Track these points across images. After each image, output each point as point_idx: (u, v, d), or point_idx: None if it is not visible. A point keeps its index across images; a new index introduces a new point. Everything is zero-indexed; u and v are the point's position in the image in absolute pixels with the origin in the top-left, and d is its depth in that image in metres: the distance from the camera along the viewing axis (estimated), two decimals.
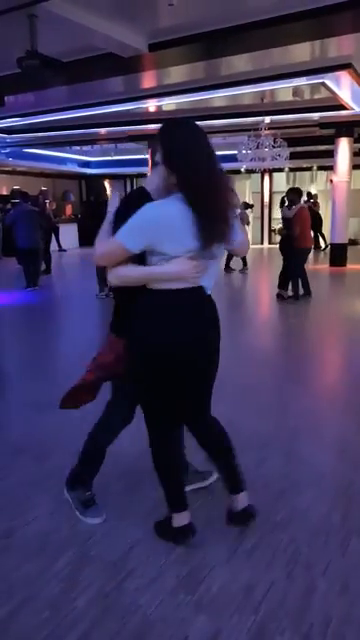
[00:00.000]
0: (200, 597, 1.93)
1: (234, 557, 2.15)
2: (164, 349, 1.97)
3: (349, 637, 1.75)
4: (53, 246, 15.41)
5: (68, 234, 17.03)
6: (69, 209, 19.39)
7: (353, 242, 15.43)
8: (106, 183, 15.32)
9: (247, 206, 12.00)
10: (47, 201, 15.35)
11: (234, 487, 2.29)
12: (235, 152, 11.37)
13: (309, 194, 15.62)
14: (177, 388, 2.07)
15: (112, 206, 2.08)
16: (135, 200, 2.00)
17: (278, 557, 2.14)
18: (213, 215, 1.88)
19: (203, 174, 1.86)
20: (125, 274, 1.98)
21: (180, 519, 2.18)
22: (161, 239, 1.88)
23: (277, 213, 18.92)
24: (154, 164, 2.04)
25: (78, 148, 16.88)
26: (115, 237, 1.92)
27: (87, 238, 10.56)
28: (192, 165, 1.86)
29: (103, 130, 12.60)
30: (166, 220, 1.87)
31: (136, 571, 2.08)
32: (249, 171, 15.18)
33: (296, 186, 9.73)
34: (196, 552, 2.18)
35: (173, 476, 2.20)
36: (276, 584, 1.99)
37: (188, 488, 2.39)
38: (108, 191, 10.74)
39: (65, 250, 16.42)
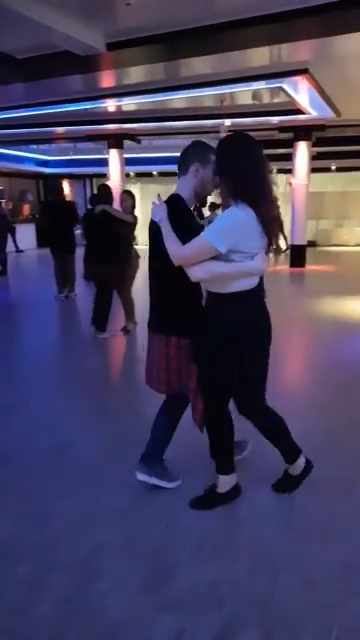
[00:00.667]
0: (164, 597, 1.94)
1: (198, 555, 2.16)
2: (239, 338, 2.28)
3: (311, 628, 1.79)
4: (10, 247, 15.12)
5: (26, 234, 16.69)
6: (27, 209, 18.98)
7: (312, 244, 15.80)
8: (64, 183, 15.08)
9: (215, 207, 12.06)
10: (2, 201, 15.03)
11: (289, 457, 2.60)
12: None
13: None
14: (241, 369, 2.36)
15: (158, 216, 2.27)
16: (180, 205, 2.33)
17: (242, 553, 2.17)
18: (272, 217, 2.24)
19: (265, 185, 2.20)
20: (221, 270, 2.18)
21: (231, 480, 2.51)
22: (245, 239, 2.16)
23: None
24: (184, 172, 2.36)
25: (35, 147, 16.58)
26: (204, 239, 2.14)
27: (45, 238, 10.36)
28: (259, 179, 2.19)
29: (61, 129, 12.42)
30: (247, 223, 2.15)
31: (101, 574, 2.06)
32: None
33: None
34: (160, 552, 2.18)
35: (226, 443, 2.50)
36: (240, 580, 2.02)
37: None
38: (67, 191, 10.57)
39: (22, 251, 16.08)
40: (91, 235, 5.66)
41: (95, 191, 7.10)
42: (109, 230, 5.46)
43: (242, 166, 2.16)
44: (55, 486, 2.70)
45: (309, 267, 12.09)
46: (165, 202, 2.34)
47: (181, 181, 2.39)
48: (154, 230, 2.34)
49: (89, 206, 6.00)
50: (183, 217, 2.30)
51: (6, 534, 2.32)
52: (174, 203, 2.35)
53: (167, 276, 2.32)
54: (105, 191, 5.84)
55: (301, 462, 2.61)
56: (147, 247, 2.42)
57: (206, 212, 9.95)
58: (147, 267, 2.46)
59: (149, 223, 2.38)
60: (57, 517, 2.44)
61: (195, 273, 2.21)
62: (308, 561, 2.13)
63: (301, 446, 2.62)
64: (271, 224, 2.23)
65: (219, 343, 2.27)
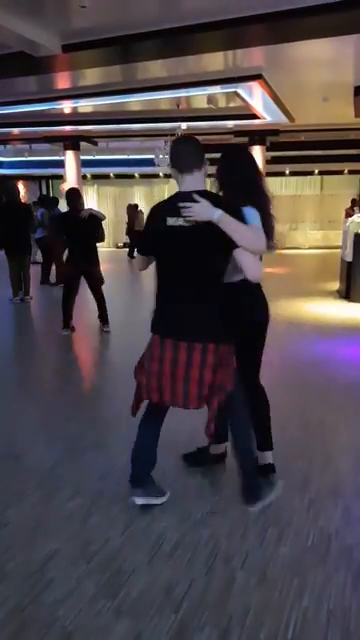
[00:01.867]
0: (120, 602, 1.92)
1: (154, 559, 2.15)
2: (264, 321, 2.67)
3: (267, 624, 1.82)
4: None
5: None
6: None
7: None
8: (20, 185, 14.80)
9: None
10: None
11: (261, 444, 2.69)
12: (152, 156, 11.46)
13: None
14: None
15: (209, 213, 2.12)
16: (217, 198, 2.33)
17: (198, 554, 2.18)
18: (271, 218, 2.53)
19: (265, 188, 2.56)
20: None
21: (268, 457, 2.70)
22: None
23: None
24: (199, 169, 2.30)
25: None
26: (260, 229, 2.32)
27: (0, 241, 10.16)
28: (261, 187, 2.54)
29: (17, 130, 12.19)
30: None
31: (54, 582, 2.02)
32: (167, 175, 15.35)
33: None
34: (116, 557, 2.16)
35: (264, 418, 2.70)
36: (196, 581, 2.02)
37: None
38: (22, 193, 10.39)
39: None
40: (74, 237, 5.77)
41: (56, 193, 7.04)
42: (94, 231, 5.75)
43: (248, 173, 2.52)
44: (6, 494, 2.64)
45: (264, 270, 12.28)
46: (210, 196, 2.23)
47: (196, 178, 2.26)
48: (181, 232, 2.18)
49: (62, 210, 6.14)
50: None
51: None
52: (216, 196, 2.30)
53: (213, 278, 2.25)
54: (79, 194, 6.01)
55: (269, 456, 2.72)
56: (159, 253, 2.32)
57: None
58: (161, 273, 2.32)
59: (163, 228, 2.22)
60: (8, 526, 2.39)
61: (259, 272, 2.34)
62: (263, 559, 2.16)
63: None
64: (272, 225, 2.53)
65: (252, 320, 2.60)
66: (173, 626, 1.81)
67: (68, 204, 5.82)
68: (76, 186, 12.70)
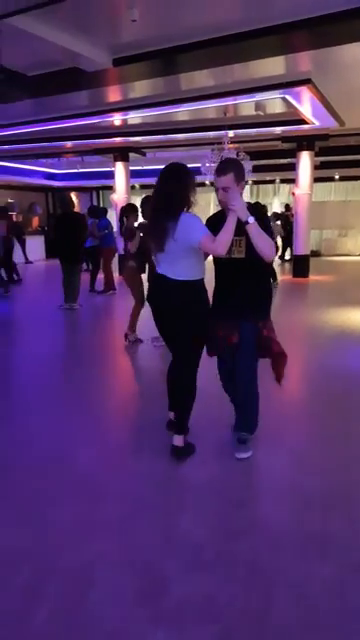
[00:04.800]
0: (160, 610, 1.93)
1: (194, 568, 2.15)
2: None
3: None
4: (20, 258, 15.27)
5: (35, 246, 16.85)
6: (36, 221, 19.19)
7: (315, 254, 15.79)
8: (73, 195, 15.25)
9: (278, 217, 11.87)
10: (12, 213, 15.21)
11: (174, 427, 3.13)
12: (199, 165, 11.53)
13: (287, 206, 15.87)
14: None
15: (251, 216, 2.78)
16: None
17: (238, 567, 2.16)
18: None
19: None
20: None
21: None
22: None
23: None
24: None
25: (44, 160, 16.79)
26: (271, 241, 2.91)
27: (55, 249, 10.55)
28: None
29: (69, 143, 12.60)
30: None
31: (97, 584, 2.07)
32: (213, 184, 15.39)
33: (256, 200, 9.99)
34: (156, 565, 2.18)
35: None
36: (236, 594, 2.01)
37: None
38: (75, 203, 10.71)
39: (31, 262, 16.24)
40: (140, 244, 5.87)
41: (106, 204, 7.24)
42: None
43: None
44: (53, 496, 2.71)
45: (312, 277, 12.07)
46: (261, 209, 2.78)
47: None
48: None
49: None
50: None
51: (4, 542, 2.34)
52: (261, 208, 2.91)
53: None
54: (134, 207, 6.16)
55: (180, 439, 3.07)
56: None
57: None
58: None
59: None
60: (54, 527, 2.46)
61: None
62: (304, 577, 2.11)
63: (294, 457, 2.72)
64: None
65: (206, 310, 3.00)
66: (212, 639, 1.80)
67: (144, 216, 5.93)
68: (125, 196, 13.03)
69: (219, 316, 2.99)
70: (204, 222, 2.94)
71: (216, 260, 3.01)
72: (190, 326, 2.93)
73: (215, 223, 2.89)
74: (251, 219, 2.73)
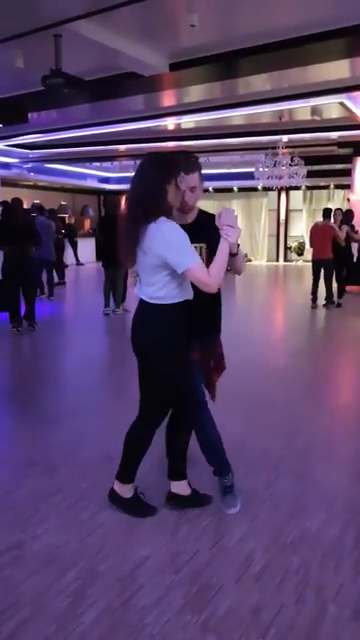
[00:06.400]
0: (207, 618, 1.91)
1: (242, 579, 2.12)
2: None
3: None
4: (71, 260, 15.64)
5: (86, 248, 17.22)
6: (88, 224, 19.61)
7: None
8: (123, 199, 15.51)
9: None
10: (66, 215, 15.62)
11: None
12: (252, 170, 11.44)
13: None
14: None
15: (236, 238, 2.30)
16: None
17: (288, 580, 2.11)
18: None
19: None
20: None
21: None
22: None
23: (293, 231, 19.00)
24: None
25: (98, 164, 17.14)
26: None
27: (100, 253, 10.75)
28: None
29: (123, 147, 12.79)
30: None
31: (144, 588, 2.06)
32: (266, 189, 15.24)
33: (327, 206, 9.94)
34: (204, 572, 2.15)
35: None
36: (285, 607, 1.96)
37: None
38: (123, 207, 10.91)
39: (82, 264, 16.60)
40: None
41: None
42: None
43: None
44: (101, 497, 2.73)
45: None
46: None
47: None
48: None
49: None
50: None
51: (52, 543, 2.37)
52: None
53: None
54: None
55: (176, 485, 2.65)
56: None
57: None
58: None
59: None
60: (102, 527, 2.47)
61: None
62: (358, 594, 2.03)
63: (348, 468, 2.52)
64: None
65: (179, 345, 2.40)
66: None
67: None
68: None
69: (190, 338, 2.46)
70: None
71: None
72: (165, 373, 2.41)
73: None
74: (239, 251, 2.41)
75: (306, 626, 1.87)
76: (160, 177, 2.21)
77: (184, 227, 2.22)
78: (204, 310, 2.47)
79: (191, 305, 2.34)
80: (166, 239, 2.15)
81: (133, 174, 2.32)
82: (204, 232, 2.37)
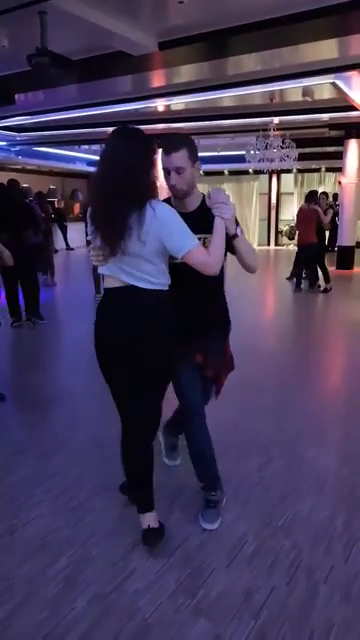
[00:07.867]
0: (199, 601, 1.92)
1: (234, 562, 2.13)
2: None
3: None
4: (60, 244, 15.47)
5: (76, 233, 17.06)
6: (77, 208, 19.40)
7: None
8: None
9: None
10: (55, 199, 15.41)
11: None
12: (243, 152, 11.34)
13: (335, 196, 15.42)
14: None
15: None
16: None
17: (279, 562, 2.12)
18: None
19: None
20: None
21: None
22: None
23: (284, 215, 18.91)
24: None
25: (87, 147, 16.89)
26: None
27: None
28: None
29: (111, 129, 12.56)
30: None
31: (136, 573, 2.07)
32: (257, 172, 15.12)
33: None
34: (196, 556, 2.16)
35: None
36: (277, 589, 1.97)
37: None
38: None
39: (72, 249, 16.46)
40: None
41: None
42: None
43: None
44: (93, 483, 2.73)
45: (357, 269, 11.75)
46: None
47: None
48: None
49: None
50: None
51: (44, 529, 2.37)
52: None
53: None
54: None
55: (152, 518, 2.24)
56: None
57: None
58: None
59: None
60: (94, 513, 2.48)
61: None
62: (348, 575, 2.05)
63: (339, 452, 2.53)
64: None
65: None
66: (252, 633, 1.78)
67: None
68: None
69: (186, 338, 2.20)
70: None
71: (170, 266, 2.08)
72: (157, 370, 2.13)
73: None
74: (239, 230, 2.12)
75: (297, 608, 1.89)
76: (142, 152, 1.97)
77: (184, 216, 1.99)
78: (203, 301, 2.26)
79: (189, 297, 2.16)
80: (165, 222, 1.90)
81: (117, 141, 2.06)
82: (208, 222, 2.06)
